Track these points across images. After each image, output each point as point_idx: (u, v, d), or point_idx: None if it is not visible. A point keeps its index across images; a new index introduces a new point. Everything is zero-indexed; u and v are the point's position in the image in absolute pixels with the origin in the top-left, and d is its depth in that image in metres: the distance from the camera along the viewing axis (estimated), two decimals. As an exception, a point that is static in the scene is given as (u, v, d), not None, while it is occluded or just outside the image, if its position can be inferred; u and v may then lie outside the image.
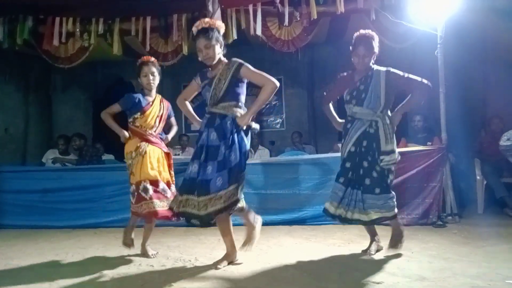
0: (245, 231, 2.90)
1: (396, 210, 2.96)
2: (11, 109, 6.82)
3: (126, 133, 3.24)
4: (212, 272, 2.69)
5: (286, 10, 5.04)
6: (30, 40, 5.50)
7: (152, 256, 3.16)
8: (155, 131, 3.26)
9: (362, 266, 2.77)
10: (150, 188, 3.14)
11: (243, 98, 2.82)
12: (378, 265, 2.75)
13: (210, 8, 4.48)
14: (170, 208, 2.84)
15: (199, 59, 2.80)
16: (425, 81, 2.99)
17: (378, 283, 2.37)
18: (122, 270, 2.80)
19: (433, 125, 5.29)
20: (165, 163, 3.30)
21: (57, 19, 5.37)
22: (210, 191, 2.62)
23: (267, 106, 7.61)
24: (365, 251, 3.07)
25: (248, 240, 2.85)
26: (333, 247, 3.35)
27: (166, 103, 3.38)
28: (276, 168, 4.66)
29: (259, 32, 5.12)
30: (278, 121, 7.78)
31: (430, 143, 4.73)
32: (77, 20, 5.41)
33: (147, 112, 3.22)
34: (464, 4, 4.18)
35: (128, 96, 3.26)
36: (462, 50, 5.41)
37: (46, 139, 7.52)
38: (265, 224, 4.29)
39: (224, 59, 2.84)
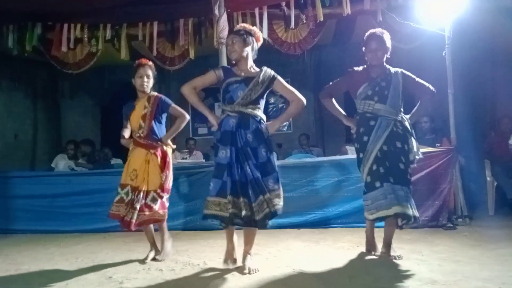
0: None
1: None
2: (20, 116, 6.90)
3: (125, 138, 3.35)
4: (221, 276, 2.69)
5: (292, 13, 5.05)
6: (38, 47, 5.58)
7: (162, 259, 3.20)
8: (142, 133, 3.21)
9: (372, 269, 2.75)
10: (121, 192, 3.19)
11: (263, 103, 2.90)
12: (388, 269, 2.73)
13: (217, 12, 4.48)
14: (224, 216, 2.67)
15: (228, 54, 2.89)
16: (431, 87, 3.04)
17: (388, 287, 2.36)
18: (132, 275, 2.81)
19: (440, 126, 5.25)
20: (154, 166, 3.17)
21: (65, 26, 5.43)
22: (269, 188, 2.69)
23: (274, 109, 7.61)
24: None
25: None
26: (342, 251, 3.33)
27: (155, 99, 3.22)
28: (283, 171, 4.59)
29: (265, 35, 5.12)
30: (285, 123, 7.76)
31: (438, 145, 4.69)
32: (85, 26, 5.47)
33: (131, 115, 3.27)
34: (471, 4, 4.15)
35: (124, 107, 3.36)
36: (470, 51, 5.38)
37: (54, 145, 7.60)
38: (273, 227, 4.31)
39: (254, 65, 2.90)
